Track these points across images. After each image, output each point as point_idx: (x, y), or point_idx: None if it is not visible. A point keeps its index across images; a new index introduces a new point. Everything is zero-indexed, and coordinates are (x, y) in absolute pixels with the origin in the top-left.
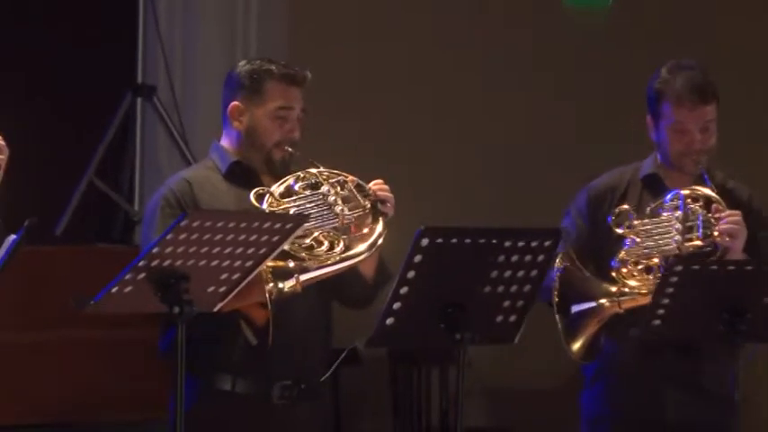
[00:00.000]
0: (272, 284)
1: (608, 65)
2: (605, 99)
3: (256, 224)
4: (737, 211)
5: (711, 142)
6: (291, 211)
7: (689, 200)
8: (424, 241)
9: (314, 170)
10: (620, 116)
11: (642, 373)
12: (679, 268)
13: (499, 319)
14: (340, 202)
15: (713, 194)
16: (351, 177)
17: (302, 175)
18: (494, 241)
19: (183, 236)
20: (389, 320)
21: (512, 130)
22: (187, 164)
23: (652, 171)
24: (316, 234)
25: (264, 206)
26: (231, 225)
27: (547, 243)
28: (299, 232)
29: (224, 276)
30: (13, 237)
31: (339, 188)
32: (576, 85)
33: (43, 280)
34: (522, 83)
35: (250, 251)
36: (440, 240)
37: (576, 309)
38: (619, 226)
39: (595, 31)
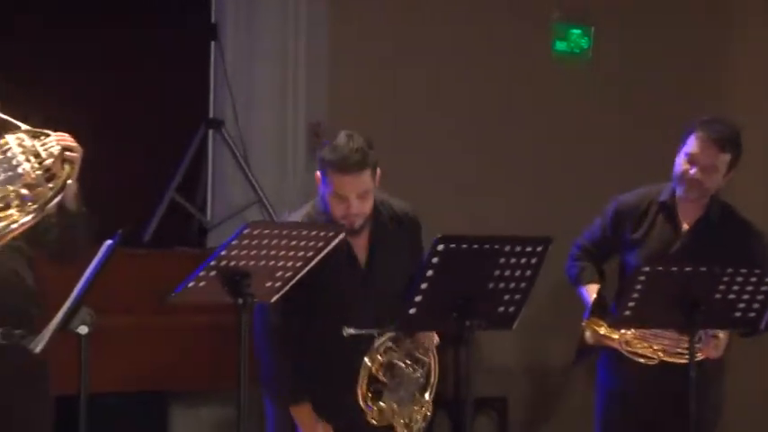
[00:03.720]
0: None
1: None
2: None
3: (304, 232)
4: None
5: (712, 180)
6: None
7: None
8: (440, 246)
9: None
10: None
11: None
12: (646, 269)
13: (501, 309)
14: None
15: None
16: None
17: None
18: (495, 246)
19: (245, 241)
20: (412, 310)
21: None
22: (248, 182)
23: (666, 199)
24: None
25: None
26: (284, 233)
27: (538, 249)
28: None
29: (279, 274)
30: (109, 242)
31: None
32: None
33: (135, 275)
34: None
35: (300, 254)
36: (453, 246)
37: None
38: None
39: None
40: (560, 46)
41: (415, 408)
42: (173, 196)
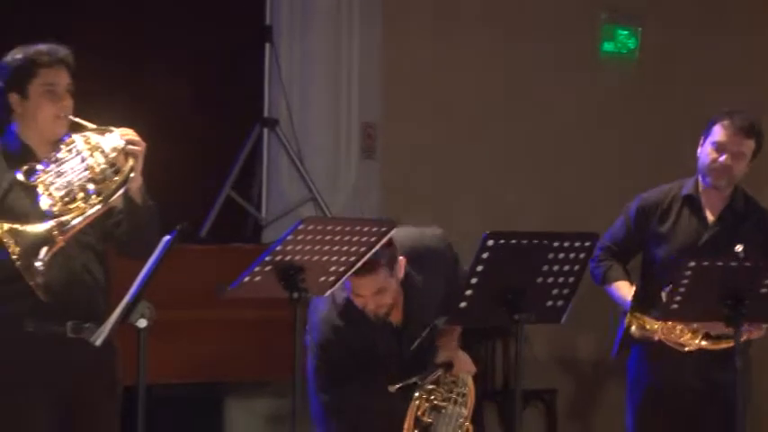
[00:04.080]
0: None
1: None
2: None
3: (357, 227)
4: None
5: (740, 167)
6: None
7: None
8: (490, 242)
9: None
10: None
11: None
12: (692, 264)
13: (549, 303)
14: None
15: None
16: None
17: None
18: (544, 242)
19: (300, 237)
20: (463, 304)
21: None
22: (302, 179)
23: (690, 192)
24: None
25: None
26: (338, 228)
27: (586, 244)
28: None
29: (332, 269)
30: (167, 237)
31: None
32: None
33: (192, 270)
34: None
35: (353, 249)
36: (502, 241)
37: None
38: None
39: None
40: (608, 47)
41: None
42: (229, 193)
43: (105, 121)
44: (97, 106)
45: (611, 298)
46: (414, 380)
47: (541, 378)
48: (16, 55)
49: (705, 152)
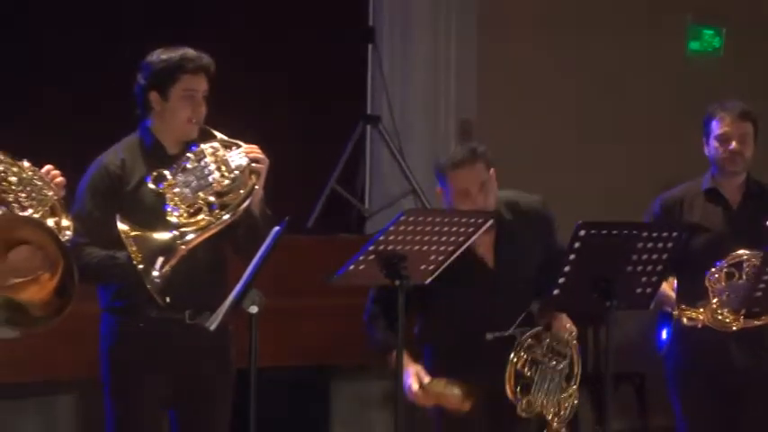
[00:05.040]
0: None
1: None
2: None
3: (456, 219)
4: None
5: (748, 149)
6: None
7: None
8: (582, 232)
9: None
10: None
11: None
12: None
13: (638, 290)
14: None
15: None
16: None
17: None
18: (634, 232)
19: (401, 227)
20: (556, 291)
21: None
22: (403, 173)
23: (709, 186)
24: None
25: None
26: (437, 219)
27: (674, 234)
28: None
29: (432, 257)
30: (276, 229)
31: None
32: None
33: (300, 260)
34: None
35: (452, 238)
36: (593, 232)
37: None
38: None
39: None
40: (694, 46)
41: (563, 396)
42: (334, 187)
43: (220, 120)
44: (213, 107)
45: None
46: (512, 331)
47: (631, 361)
48: (161, 56)
49: (713, 147)
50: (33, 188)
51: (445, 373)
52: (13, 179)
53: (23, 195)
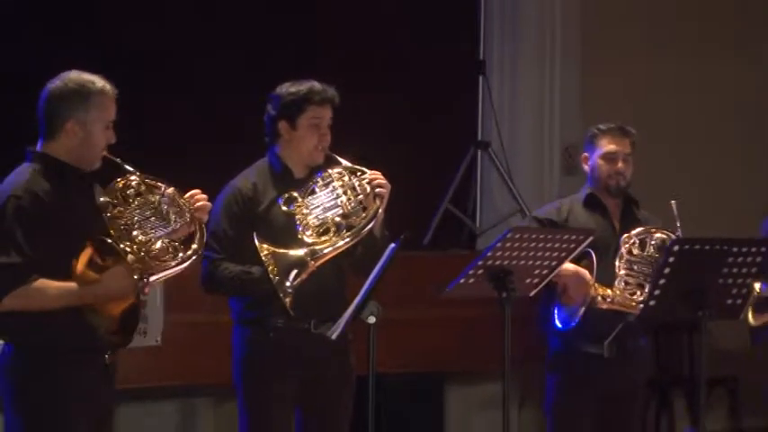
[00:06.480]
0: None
1: None
2: None
3: (558, 236)
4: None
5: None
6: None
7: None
8: (676, 248)
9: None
10: None
11: None
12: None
13: (729, 301)
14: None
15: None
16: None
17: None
18: (725, 247)
19: (508, 244)
20: (652, 302)
21: None
22: (511, 193)
23: None
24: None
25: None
26: (542, 236)
27: (762, 249)
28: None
29: (536, 271)
30: (392, 245)
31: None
32: None
33: (416, 274)
34: None
35: (555, 254)
36: (686, 247)
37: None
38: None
39: None
40: None
41: None
42: (447, 206)
43: (346, 145)
44: (338, 130)
45: None
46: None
47: (724, 366)
48: (290, 89)
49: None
50: (156, 213)
51: None
52: (136, 202)
53: (137, 219)
